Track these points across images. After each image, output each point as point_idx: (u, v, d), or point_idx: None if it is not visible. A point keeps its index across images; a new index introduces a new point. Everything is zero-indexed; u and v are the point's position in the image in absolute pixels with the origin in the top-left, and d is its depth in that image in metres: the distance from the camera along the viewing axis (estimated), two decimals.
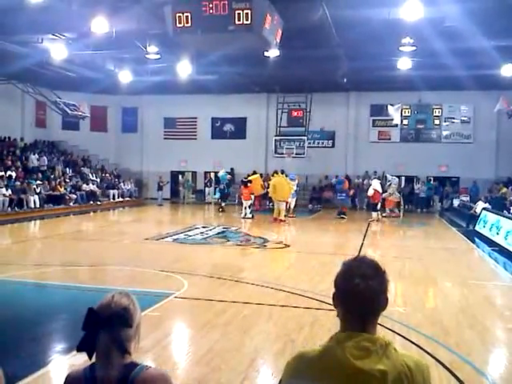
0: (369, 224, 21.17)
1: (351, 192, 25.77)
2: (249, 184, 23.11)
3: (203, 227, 19.10)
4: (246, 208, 22.55)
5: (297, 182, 23.99)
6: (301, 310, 8.00)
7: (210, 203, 30.95)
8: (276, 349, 6.26)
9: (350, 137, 30.35)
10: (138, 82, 25.68)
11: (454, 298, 9.36)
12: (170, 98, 31.23)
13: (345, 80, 25.11)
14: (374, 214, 22.45)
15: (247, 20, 12.66)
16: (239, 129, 31.96)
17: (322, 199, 29.58)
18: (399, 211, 24.66)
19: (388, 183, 24.28)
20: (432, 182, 29.24)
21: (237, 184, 28.72)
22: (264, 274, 11.02)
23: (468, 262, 13.31)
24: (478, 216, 19.44)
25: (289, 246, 15.50)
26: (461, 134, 29.14)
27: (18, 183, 23.20)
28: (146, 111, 33.24)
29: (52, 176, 26.42)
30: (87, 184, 27.94)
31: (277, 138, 29.25)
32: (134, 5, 15.09)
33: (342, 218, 22.90)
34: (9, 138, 28.16)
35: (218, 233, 17.72)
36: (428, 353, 5.97)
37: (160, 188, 30.02)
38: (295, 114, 29.69)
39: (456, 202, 26.53)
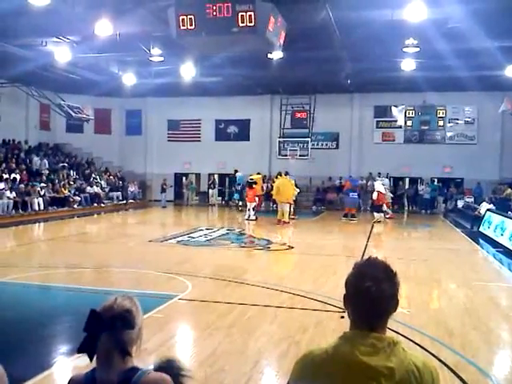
0: (372, 225, 21.13)
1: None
2: (254, 185, 23.12)
3: (207, 229, 19.12)
4: (249, 210, 22.53)
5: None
6: (305, 312, 8.00)
7: (214, 205, 31.01)
8: (280, 351, 6.25)
9: (354, 138, 30.32)
10: (142, 84, 25.73)
11: (458, 299, 9.33)
12: (174, 101, 31.28)
13: (348, 81, 25.11)
14: (377, 215, 22.41)
15: (251, 22, 12.65)
16: (243, 131, 31.96)
17: (325, 201, 29.60)
18: (392, 212, 24.68)
19: (381, 181, 24.40)
20: (436, 183, 29.21)
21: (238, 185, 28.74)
22: (268, 275, 11.02)
23: (472, 264, 13.26)
24: (483, 217, 19.38)
25: (292, 247, 15.46)
26: (465, 135, 29.09)
27: (22, 186, 23.24)
28: (149, 113, 33.26)
29: (56, 178, 26.47)
30: (91, 186, 28.00)
31: (280, 139, 29.29)
32: (138, 7, 15.11)
33: (352, 219, 22.92)
34: (13, 140, 28.21)
35: (222, 235, 17.73)
36: (432, 354, 5.94)
37: (163, 190, 30.06)
38: (299, 115, 29.69)
39: (460, 203, 26.48)
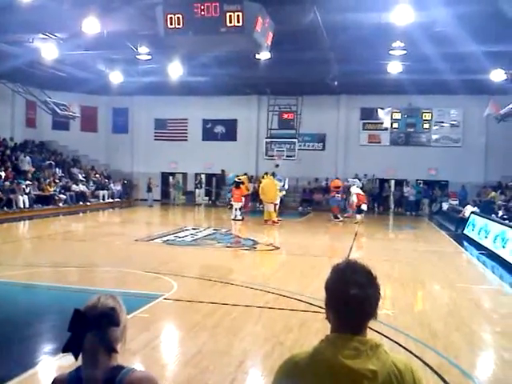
0: (358, 227, 21.20)
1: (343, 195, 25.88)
2: (241, 185, 23.17)
3: (193, 229, 19.09)
4: (236, 210, 22.53)
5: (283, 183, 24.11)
6: (289, 312, 8.02)
7: (201, 205, 30.96)
8: (264, 351, 6.27)
9: (341, 140, 30.42)
10: (129, 82, 25.60)
11: (442, 301, 9.42)
12: (161, 99, 31.18)
13: (335, 83, 25.17)
14: (358, 217, 22.57)
15: (238, 22, 12.67)
16: (230, 131, 31.93)
17: (312, 201, 29.69)
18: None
19: (353, 185, 24.58)
20: (421, 185, 29.41)
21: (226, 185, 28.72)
22: (253, 276, 11.04)
23: (456, 266, 13.37)
24: (467, 220, 19.54)
25: (278, 248, 15.49)
26: (450, 137, 29.31)
27: (7, 183, 23.05)
28: (136, 112, 33.12)
29: (41, 176, 26.25)
30: (77, 185, 27.81)
31: (267, 140, 29.32)
32: (126, 5, 15.05)
33: (336, 219, 23.08)
34: None
35: (208, 234, 17.70)
36: (416, 356, 5.99)
37: (150, 189, 29.96)
38: (286, 116, 29.82)
39: (445, 206, 26.66)
